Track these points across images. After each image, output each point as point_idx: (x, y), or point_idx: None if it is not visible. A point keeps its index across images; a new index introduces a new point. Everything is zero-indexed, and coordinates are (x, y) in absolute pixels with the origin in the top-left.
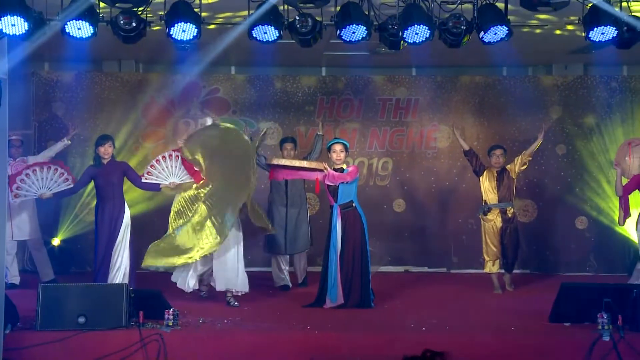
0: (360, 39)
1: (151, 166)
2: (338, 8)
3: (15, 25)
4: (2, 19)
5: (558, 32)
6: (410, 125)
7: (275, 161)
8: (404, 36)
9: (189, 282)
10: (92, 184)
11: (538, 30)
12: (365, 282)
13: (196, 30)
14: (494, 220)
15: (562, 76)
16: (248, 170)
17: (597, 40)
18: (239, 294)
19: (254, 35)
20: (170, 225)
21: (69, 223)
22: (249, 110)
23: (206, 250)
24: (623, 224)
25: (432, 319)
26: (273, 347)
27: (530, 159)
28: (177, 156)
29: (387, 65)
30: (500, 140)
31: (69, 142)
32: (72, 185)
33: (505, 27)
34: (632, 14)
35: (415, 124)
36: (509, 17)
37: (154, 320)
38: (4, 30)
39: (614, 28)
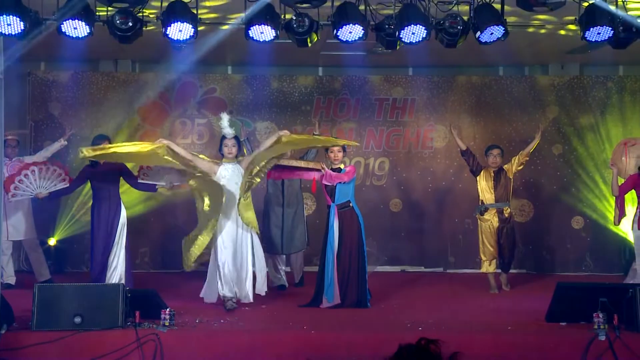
0: (356, 38)
1: (148, 167)
2: (335, 7)
3: (11, 24)
4: None
5: (554, 32)
6: (406, 125)
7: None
8: (401, 36)
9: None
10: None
11: (531, 29)
12: (362, 282)
13: (193, 30)
14: (490, 220)
15: (559, 76)
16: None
17: (593, 40)
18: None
19: (251, 35)
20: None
21: (66, 223)
22: (245, 110)
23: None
24: (619, 224)
25: (428, 319)
26: (270, 347)
27: (527, 159)
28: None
29: (383, 65)
30: (496, 140)
31: (66, 142)
32: (68, 185)
33: (501, 27)
34: (628, 12)
35: (411, 124)
36: (505, 17)
37: (151, 320)
38: (0, 30)
39: (610, 28)
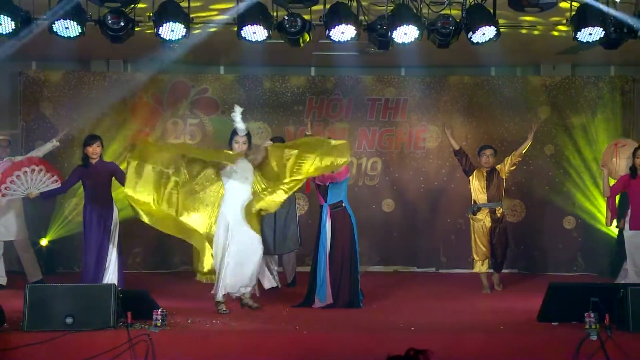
0: (349, 39)
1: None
2: (327, 7)
3: (2, 24)
4: None
5: (546, 32)
6: (399, 125)
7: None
8: (393, 36)
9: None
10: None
11: (524, 31)
12: (354, 282)
13: (185, 29)
14: (483, 220)
15: (550, 76)
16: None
17: (584, 40)
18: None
19: (243, 35)
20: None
21: (60, 224)
22: None
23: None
24: (610, 225)
25: (420, 319)
26: (262, 347)
27: (520, 159)
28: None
29: (376, 65)
30: (488, 140)
31: (58, 143)
32: (59, 185)
33: (493, 28)
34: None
35: (404, 124)
36: (497, 17)
37: (142, 320)
38: None
39: (602, 29)
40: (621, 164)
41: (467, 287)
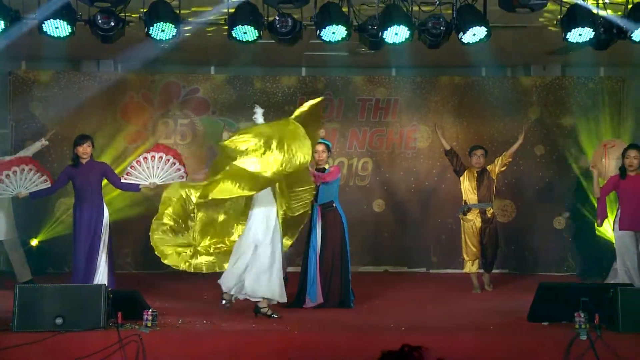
0: (340, 39)
1: (131, 167)
2: (318, 8)
3: None
4: None
5: (536, 33)
6: (390, 125)
7: None
8: (384, 37)
9: None
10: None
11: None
12: (345, 282)
13: (175, 29)
14: (473, 220)
15: (541, 77)
16: None
17: (574, 41)
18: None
19: (234, 35)
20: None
21: (51, 224)
22: (228, 110)
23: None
24: (601, 225)
25: (411, 319)
26: (252, 347)
27: (511, 159)
28: (159, 157)
29: (366, 66)
30: (479, 141)
31: (47, 142)
32: (49, 185)
33: (484, 28)
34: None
35: (394, 124)
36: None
37: (133, 321)
38: None
39: (591, 29)
40: (610, 165)
41: (458, 287)
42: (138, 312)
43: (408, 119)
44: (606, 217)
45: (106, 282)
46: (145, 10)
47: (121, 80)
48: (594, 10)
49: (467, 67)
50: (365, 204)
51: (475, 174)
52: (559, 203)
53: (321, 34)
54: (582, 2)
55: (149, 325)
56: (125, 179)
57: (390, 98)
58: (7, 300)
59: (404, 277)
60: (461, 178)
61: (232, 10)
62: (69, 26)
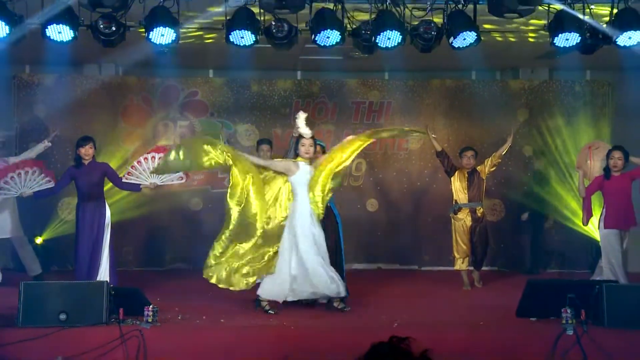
0: (334, 43)
1: (132, 167)
2: (313, 13)
3: None
4: None
5: (525, 37)
6: (382, 127)
7: (255, 162)
8: (377, 41)
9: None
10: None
11: (502, 36)
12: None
13: (174, 34)
14: (463, 219)
15: (529, 80)
16: None
17: (561, 45)
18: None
19: (231, 40)
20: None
21: (56, 224)
22: (226, 113)
23: None
24: (587, 224)
25: (403, 315)
26: (250, 343)
27: (500, 160)
28: (159, 158)
29: (360, 70)
30: (469, 142)
31: (50, 143)
32: (53, 185)
33: (474, 33)
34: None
35: (387, 126)
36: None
37: (134, 316)
38: None
39: (578, 34)
40: (595, 166)
41: (448, 284)
42: (139, 308)
43: (401, 121)
44: (591, 215)
45: (108, 279)
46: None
47: (122, 83)
48: (580, 16)
49: (458, 71)
50: (359, 204)
51: (466, 175)
52: (546, 202)
53: (316, 39)
54: (568, 8)
55: (150, 321)
56: (127, 178)
57: (383, 101)
58: (12, 296)
59: (397, 274)
60: (452, 178)
61: (229, 16)
62: (71, 31)
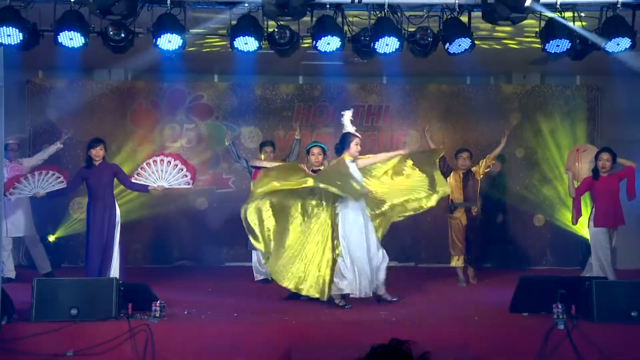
0: (334, 49)
1: (141, 168)
2: (314, 20)
3: (11, 35)
4: None
5: (517, 44)
6: (381, 129)
7: (257, 163)
8: (375, 47)
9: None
10: None
11: (496, 43)
12: None
13: (181, 40)
14: (459, 218)
15: (521, 85)
16: None
17: (552, 51)
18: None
19: (236, 46)
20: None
21: (69, 222)
22: (231, 116)
23: None
24: (576, 223)
25: (401, 310)
26: (254, 336)
27: (494, 162)
28: (168, 162)
29: (360, 74)
30: (464, 144)
31: (62, 145)
32: (65, 186)
33: (468, 40)
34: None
35: (386, 129)
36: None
37: (142, 311)
38: (0, 40)
39: (568, 41)
40: (584, 167)
41: (445, 280)
42: (147, 303)
43: (398, 124)
44: (581, 215)
45: (117, 276)
46: (153, 23)
47: (131, 87)
48: (570, 24)
49: (453, 76)
50: None
51: (461, 175)
52: (538, 202)
53: (317, 45)
54: (558, 17)
55: (157, 315)
56: (136, 179)
57: (381, 104)
58: (26, 292)
59: (394, 270)
60: (448, 179)
61: (234, 23)
62: (82, 37)
